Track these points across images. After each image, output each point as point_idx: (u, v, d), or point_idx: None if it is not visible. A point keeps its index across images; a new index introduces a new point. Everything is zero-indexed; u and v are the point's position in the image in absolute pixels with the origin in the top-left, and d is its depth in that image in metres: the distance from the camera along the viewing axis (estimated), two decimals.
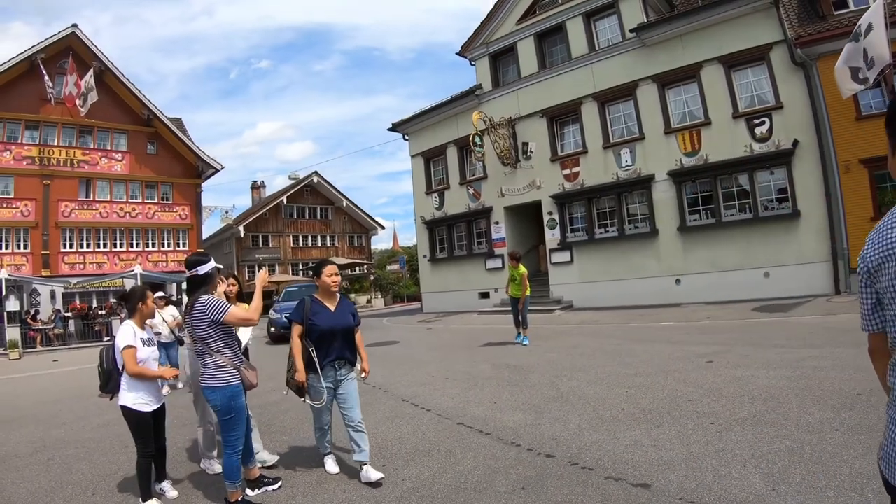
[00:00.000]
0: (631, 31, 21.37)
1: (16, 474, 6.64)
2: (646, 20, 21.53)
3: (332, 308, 5.73)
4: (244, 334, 6.13)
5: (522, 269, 14.26)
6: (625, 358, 10.77)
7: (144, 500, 5.15)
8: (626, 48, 21.91)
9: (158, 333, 9.05)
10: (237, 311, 5.12)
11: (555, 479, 5.02)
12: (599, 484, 4.81)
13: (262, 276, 5.48)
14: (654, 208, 21.01)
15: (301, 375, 5.46)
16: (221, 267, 5.57)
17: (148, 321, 7.54)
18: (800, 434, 5.39)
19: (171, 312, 11.51)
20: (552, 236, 24.14)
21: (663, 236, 20.79)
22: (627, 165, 21.67)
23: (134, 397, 5.17)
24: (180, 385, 11.08)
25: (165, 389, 9.11)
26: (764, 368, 8.38)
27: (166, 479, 5.61)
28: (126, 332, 5.25)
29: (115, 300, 30.83)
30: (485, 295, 26.29)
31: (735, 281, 18.90)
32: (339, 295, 5.92)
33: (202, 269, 5.13)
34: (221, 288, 5.91)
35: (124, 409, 5.18)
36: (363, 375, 5.91)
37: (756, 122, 18.85)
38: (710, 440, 5.52)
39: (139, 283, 27.96)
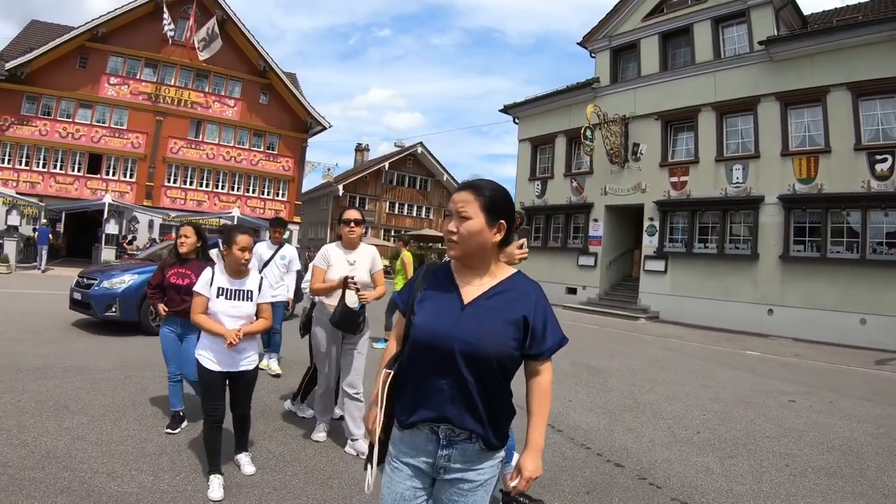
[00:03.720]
0: (760, 43, 20.57)
1: (91, 385, 7.07)
2: (776, 34, 20.75)
3: (469, 296, 2.40)
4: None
5: (406, 253, 13.00)
6: (706, 380, 10.62)
7: (211, 473, 4.53)
8: (752, 60, 21.15)
9: None
10: (317, 273, 5.68)
11: (620, 490, 5.03)
12: None
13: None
14: (759, 231, 20.31)
15: (373, 423, 2.48)
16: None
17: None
18: (875, 495, 5.25)
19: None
20: (649, 243, 23.72)
21: (763, 262, 20.13)
22: (738, 182, 21.06)
23: (201, 348, 4.75)
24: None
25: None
26: (847, 419, 8.12)
27: (246, 451, 5.05)
28: (203, 277, 4.82)
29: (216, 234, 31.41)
30: (572, 290, 26.15)
31: (829, 322, 18.12)
32: (513, 270, 2.55)
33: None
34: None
35: (196, 360, 4.80)
36: (513, 484, 2.41)
37: (878, 157, 17.99)
38: (782, 482, 5.43)
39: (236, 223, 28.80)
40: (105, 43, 32.93)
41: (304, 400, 6.73)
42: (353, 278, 5.43)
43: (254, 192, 38.47)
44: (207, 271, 4.82)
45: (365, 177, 50.93)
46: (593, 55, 27.33)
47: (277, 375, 8.55)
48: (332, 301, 5.57)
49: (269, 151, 39.03)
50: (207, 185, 36.99)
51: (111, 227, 27.74)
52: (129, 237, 30.91)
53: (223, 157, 37.19)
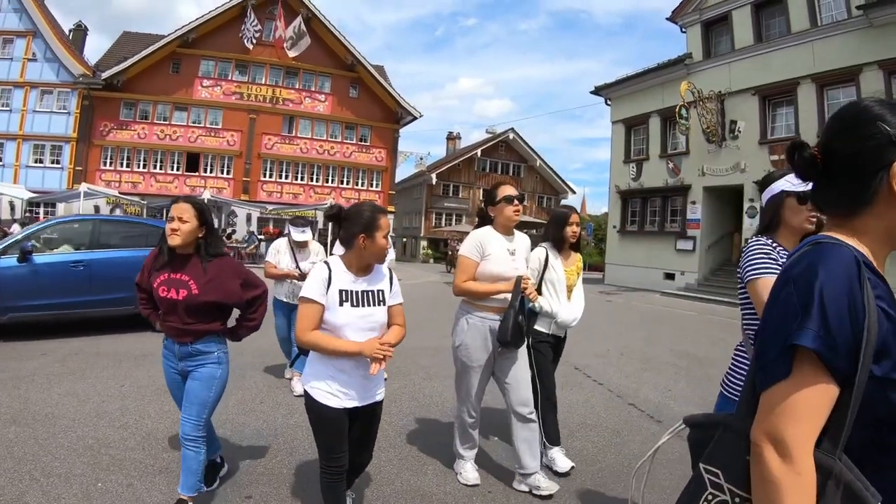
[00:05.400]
0: (858, 7, 19.54)
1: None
2: None
3: None
4: None
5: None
6: None
7: None
8: (851, 27, 20.09)
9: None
10: (468, 267, 4.38)
11: None
12: None
13: None
14: None
15: None
16: None
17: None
18: None
19: (313, 253, 7.47)
20: (750, 225, 22.87)
21: None
22: None
23: (316, 378, 3.31)
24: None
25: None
26: None
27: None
28: (315, 276, 3.26)
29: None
30: (670, 276, 25.66)
31: None
32: None
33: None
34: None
35: (305, 393, 3.37)
36: None
37: None
38: None
39: None
40: (195, 48, 35.05)
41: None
42: (527, 279, 4.39)
43: (348, 183, 39.56)
44: (321, 268, 3.31)
45: (458, 165, 51.22)
46: (683, 30, 26.76)
47: None
48: (488, 304, 4.39)
49: (362, 143, 39.98)
50: (302, 179, 38.39)
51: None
52: (229, 230, 31.96)
53: (316, 151, 38.45)
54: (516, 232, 4.65)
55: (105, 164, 33.89)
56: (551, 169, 54.78)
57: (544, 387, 4.90)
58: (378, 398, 3.47)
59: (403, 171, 49.70)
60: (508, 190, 4.60)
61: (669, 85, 26.13)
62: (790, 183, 2.75)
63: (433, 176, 48.70)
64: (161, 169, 35.03)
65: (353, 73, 39.05)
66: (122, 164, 34.31)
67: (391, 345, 3.29)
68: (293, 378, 6.94)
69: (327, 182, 38.97)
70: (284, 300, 7.11)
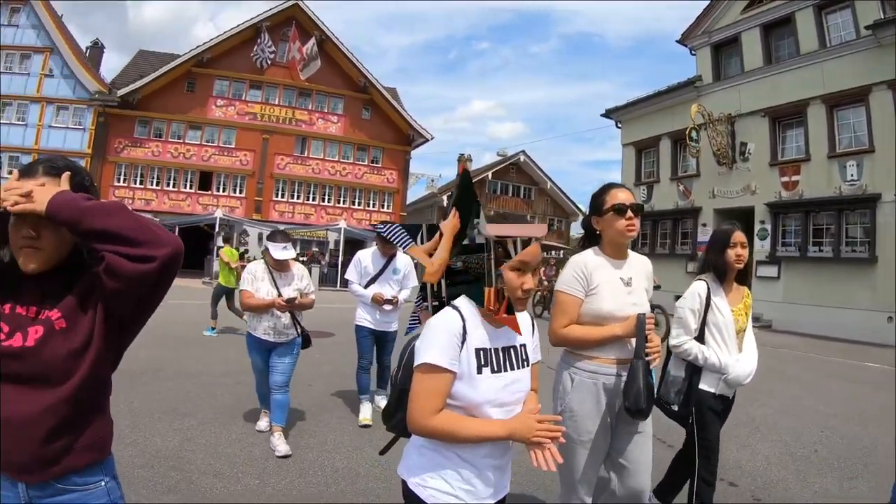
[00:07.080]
0: (866, 27, 19.46)
1: (203, 390, 7.36)
2: (883, 17, 19.42)
3: None
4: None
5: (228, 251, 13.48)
6: (823, 394, 10.07)
7: None
8: (859, 47, 19.99)
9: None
10: (569, 305, 3.25)
11: None
12: None
13: None
14: (877, 232, 19.00)
15: None
16: None
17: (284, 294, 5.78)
18: None
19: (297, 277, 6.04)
20: (761, 247, 22.74)
21: (882, 265, 18.67)
22: (852, 180, 19.94)
23: (428, 474, 2.11)
24: None
25: None
26: None
27: None
28: (443, 329, 2.06)
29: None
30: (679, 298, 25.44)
31: None
32: None
33: None
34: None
35: (413, 496, 2.11)
36: None
37: None
38: None
39: (342, 238, 29.42)
40: (210, 67, 35.59)
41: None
42: (652, 317, 3.21)
43: (359, 204, 39.87)
44: (451, 317, 2.09)
45: None
46: (693, 53, 26.84)
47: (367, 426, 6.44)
48: (600, 354, 3.24)
49: (374, 165, 40.28)
50: (314, 199, 38.67)
51: (222, 241, 28.87)
52: (242, 250, 32.01)
53: (328, 172, 38.75)
54: (631, 253, 3.44)
55: (119, 180, 34.40)
56: (562, 191, 54.61)
57: (708, 462, 3.91)
58: (507, 489, 2.25)
59: (414, 193, 49.77)
60: (620, 195, 3.24)
61: (679, 107, 26.11)
62: None
63: (444, 198, 48.50)
64: (174, 187, 35.47)
65: (366, 94, 39.37)
66: (135, 182, 34.85)
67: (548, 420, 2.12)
68: (273, 433, 5.58)
69: (339, 203, 39.26)
70: (263, 337, 5.73)
